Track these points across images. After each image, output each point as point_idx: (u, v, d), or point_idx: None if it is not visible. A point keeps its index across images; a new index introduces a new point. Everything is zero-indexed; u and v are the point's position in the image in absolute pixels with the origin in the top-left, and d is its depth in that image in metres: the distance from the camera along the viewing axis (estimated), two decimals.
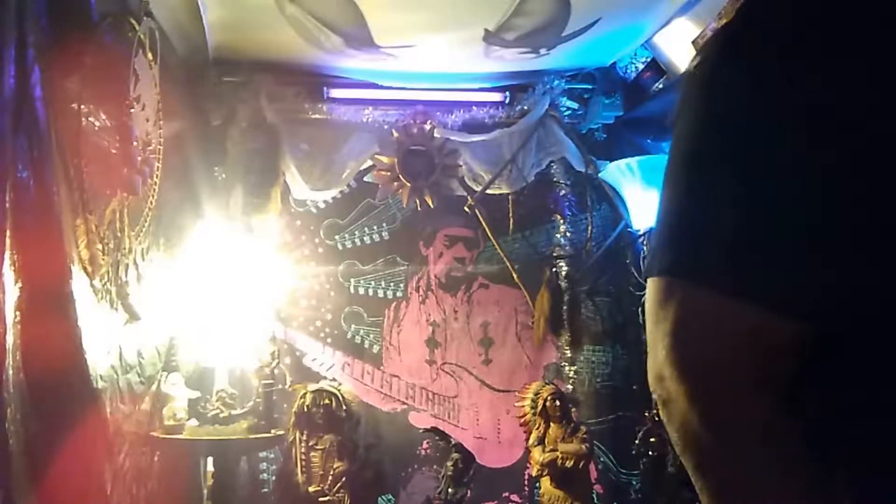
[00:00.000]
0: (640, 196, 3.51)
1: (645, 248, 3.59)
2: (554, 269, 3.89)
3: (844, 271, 0.67)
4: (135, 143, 2.40)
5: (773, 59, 0.72)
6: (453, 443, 3.32)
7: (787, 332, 0.68)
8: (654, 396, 0.75)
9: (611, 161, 3.65)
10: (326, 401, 3.29)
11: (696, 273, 0.72)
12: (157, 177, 2.63)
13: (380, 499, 3.52)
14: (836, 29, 0.70)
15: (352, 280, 3.89)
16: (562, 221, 3.93)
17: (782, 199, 0.69)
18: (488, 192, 3.79)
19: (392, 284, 3.94)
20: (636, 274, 3.64)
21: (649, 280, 0.77)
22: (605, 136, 4.00)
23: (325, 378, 3.66)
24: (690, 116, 0.78)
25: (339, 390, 3.36)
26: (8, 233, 1.55)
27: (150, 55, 2.55)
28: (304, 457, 3.27)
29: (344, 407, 3.31)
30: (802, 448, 0.69)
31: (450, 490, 3.19)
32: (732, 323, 0.69)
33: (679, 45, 3.27)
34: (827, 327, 0.67)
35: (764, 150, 0.70)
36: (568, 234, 3.91)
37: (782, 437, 0.69)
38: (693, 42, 3.15)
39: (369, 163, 3.81)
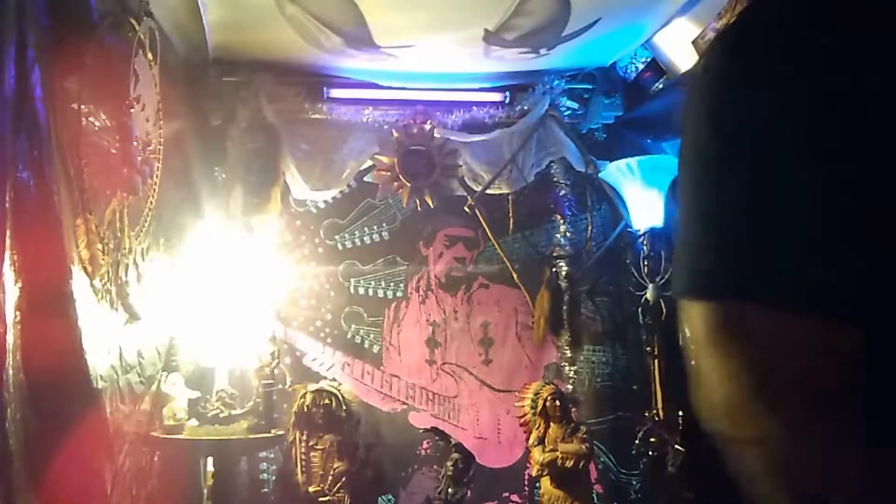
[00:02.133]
0: (640, 196, 3.51)
1: (646, 248, 3.59)
2: (554, 269, 3.89)
3: None
4: (135, 143, 2.40)
5: (785, 57, 0.71)
6: (453, 443, 3.32)
7: (860, 341, 0.65)
8: (724, 432, 0.69)
9: (611, 161, 3.65)
10: (326, 401, 3.29)
11: (768, 291, 0.66)
12: (157, 177, 2.63)
13: (380, 499, 3.52)
14: (845, 26, 0.69)
15: (352, 280, 3.89)
16: (562, 221, 3.93)
17: (833, 202, 0.65)
18: (488, 192, 3.79)
19: (392, 284, 3.94)
20: (636, 274, 3.64)
21: (697, 305, 0.71)
22: (605, 136, 4.00)
23: (325, 378, 3.66)
24: (705, 122, 0.75)
25: (339, 390, 3.36)
26: (8, 233, 1.55)
27: (150, 55, 2.55)
28: (304, 457, 3.27)
29: (344, 407, 3.31)
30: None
31: (450, 490, 3.19)
32: (820, 340, 0.65)
33: (679, 45, 3.27)
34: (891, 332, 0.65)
35: (799, 153, 0.67)
36: (568, 234, 3.91)
37: (878, 463, 0.65)
38: (693, 42, 3.15)
39: (369, 163, 3.81)
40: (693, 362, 0.73)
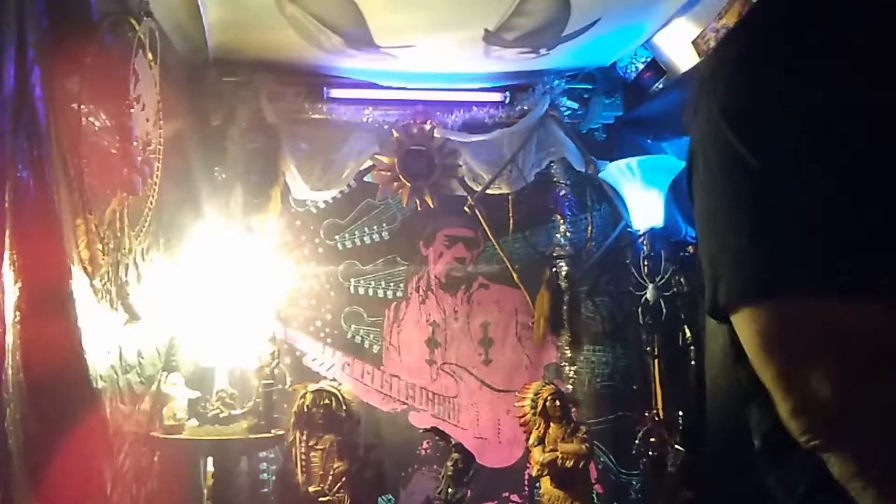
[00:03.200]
0: (640, 196, 3.50)
1: (646, 248, 3.59)
2: (554, 269, 3.89)
3: None
4: (135, 143, 2.40)
5: (796, 55, 0.70)
6: (453, 443, 3.32)
7: None
8: (821, 445, 0.66)
9: (611, 161, 3.65)
10: (326, 401, 3.29)
11: (828, 288, 0.64)
12: (157, 177, 2.63)
13: (380, 499, 3.52)
14: (852, 25, 0.69)
15: (352, 280, 3.89)
16: (562, 221, 3.93)
17: (878, 191, 0.64)
18: (488, 192, 3.79)
19: (392, 284, 3.94)
20: (636, 274, 3.64)
21: (750, 311, 0.67)
22: (605, 136, 4.00)
23: (325, 378, 3.66)
24: (729, 122, 0.73)
25: (339, 390, 3.36)
26: (8, 233, 1.55)
27: (150, 55, 2.55)
28: (304, 457, 3.27)
29: (344, 407, 3.31)
30: None
31: (450, 490, 3.18)
32: (889, 331, 0.63)
33: (679, 45, 3.27)
34: None
35: (844, 145, 0.66)
36: (568, 234, 3.91)
37: None
38: (693, 42, 3.15)
39: (369, 163, 3.81)
40: (766, 376, 0.68)
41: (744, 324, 0.69)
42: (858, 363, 0.64)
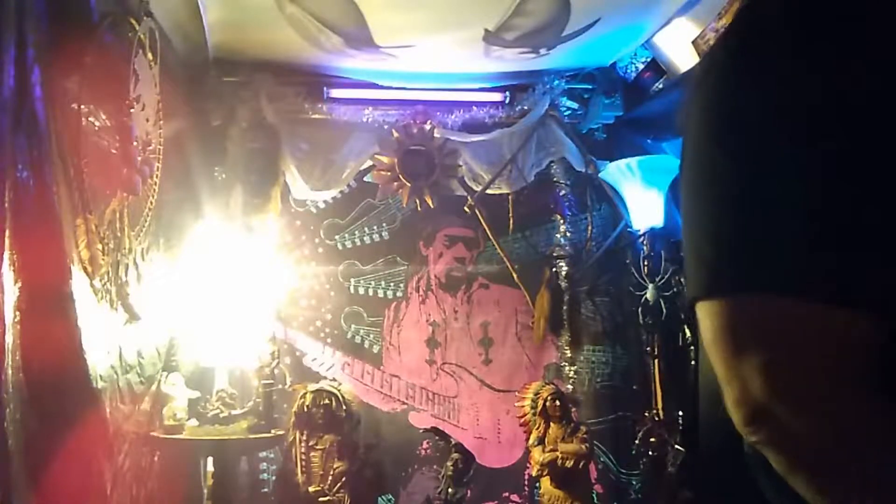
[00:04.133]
0: (640, 196, 3.51)
1: (646, 248, 3.59)
2: (554, 269, 3.89)
3: None
4: (135, 143, 2.40)
5: (786, 58, 0.71)
6: (453, 443, 3.32)
7: (876, 327, 0.65)
8: (755, 437, 0.68)
9: (611, 161, 3.65)
10: (326, 401, 3.29)
11: (776, 285, 0.66)
12: (157, 177, 2.63)
13: (380, 499, 3.52)
14: (843, 26, 0.70)
15: (352, 280, 3.89)
16: (562, 221, 3.93)
17: (837, 199, 0.66)
18: (488, 192, 3.79)
19: (392, 284, 3.94)
20: (636, 274, 3.64)
21: (707, 305, 0.70)
22: (605, 136, 4.00)
23: (325, 378, 3.66)
24: (709, 123, 0.75)
25: (339, 390, 3.36)
26: (8, 233, 1.55)
27: (150, 55, 2.55)
28: (304, 457, 3.27)
29: (344, 407, 3.31)
30: None
31: (450, 490, 3.18)
32: (831, 331, 0.65)
33: (679, 45, 3.27)
34: None
35: (806, 149, 0.68)
36: (568, 234, 3.91)
37: None
38: (693, 42, 3.15)
39: (369, 163, 3.81)
40: (716, 370, 0.70)
41: (700, 318, 0.72)
42: (794, 360, 0.66)
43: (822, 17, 0.70)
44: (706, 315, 0.71)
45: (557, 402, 3.35)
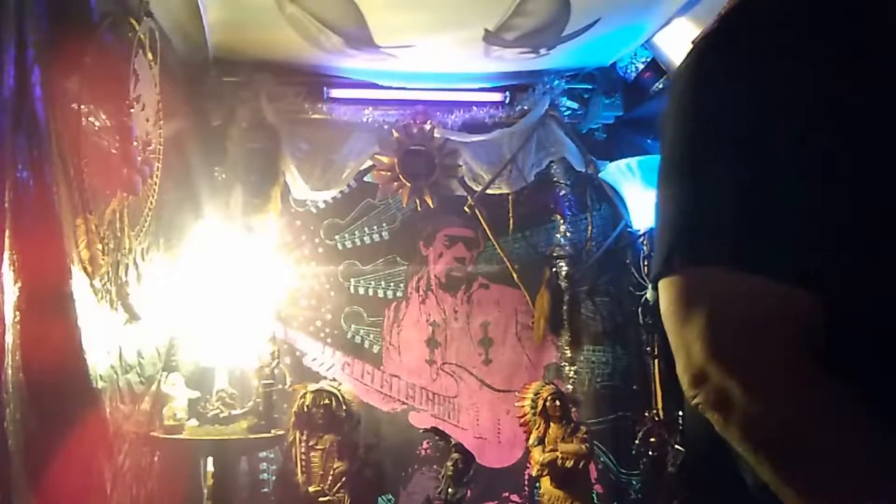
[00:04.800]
0: (640, 196, 3.51)
1: (646, 248, 3.59)
2: (554, 269, 3.89)
3: (849, 248, 0.67)
4: (135, 143, 2.40)
5: (764, 52, 0.73)
6: (453, 443, 3.32)
7: (815, 303, 0.68)
8: (697, 400, 0.72)
9: (611, 161, 3.65)
10: (326, 401, 3.29)
11: (721, 260, 0.71)
12: (157, 177, 2.63)
13: (380, 499, 3.52)
14: (822, 22, 0.71)
15: (352, 280, 3.89)
16: (562, 221, 3.93)
17: (786, 183, 0.70)
18: (488, 192, 3.79)
19: (392, 284, 3.94)
20: (636, 274, 3.64)
21: (664, 281, 0.75)
22: (605, 136, 4.00)
23: (325, 378, 3.66)
24: (686, 112, 0.79)
25: (339, 390, 3.36)
26: (8, 233, 1.55)
27: (150, 55, 2.55)
28: (304, 457, 3.27)
29: (344, 407, 3.31)
30: (865, 415, 0.68)
31: (450, 490, 3.18)
32: (768, 302, 0.68)
33: (679, 45, 3.26)
34: (846, 300, 0.67)
35: (763, 138, 0.71)
36: (568, 234, 3.91)
37: (846, 404, 0.68)
38: (693, 42, 3.15)
39: (369, 163, 3.81)
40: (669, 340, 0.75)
41: (660, 296, 0.77)
42: (730, 326, 0.70)
43: (808, 14, 0.72)
44: (663, 291, 0.75)
45: (557, 402, 3.35)
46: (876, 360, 0.69)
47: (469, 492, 3.24)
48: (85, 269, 2.05)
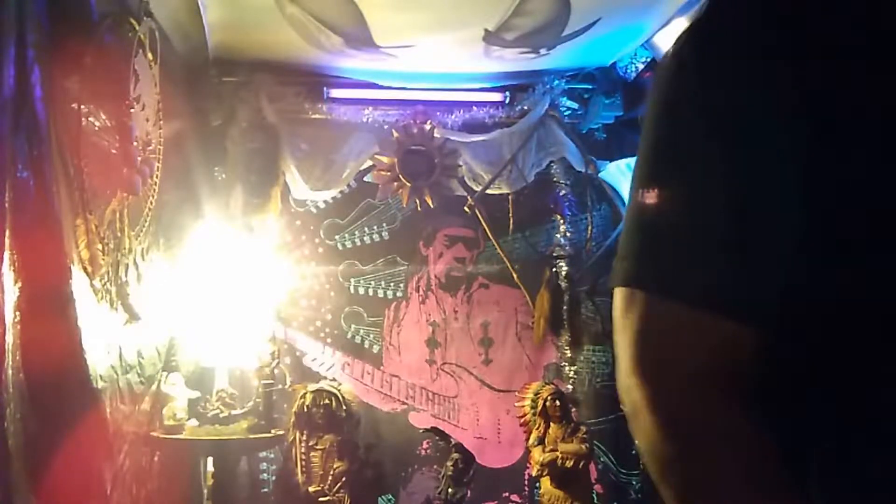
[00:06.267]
0: None
1: None
2: (554, 269, 3.89)
3: (797, 279, 0.66)
4: (135, 143, 2.40)
5: (736, 56, 0.71)
6: (453, 443, 3.32)
7: (746, 338, 0.67)
8: (623, 408, 0.75)
9: (611, 161, 3.65)
10: (326, 401, 3.29)
11: (654, 282, 0.72)
12: (157, 177, 2.63)
13: (380, 499, 3.52)
14: (802, 23, 0.70)
15: (352, 280, 3.89)
16: (562, 221, 3.93)
17: (735, 207, 0.68)
18: (488, 192, 3.79)
19: (392, 284, 3.94)
20: None
21: (615, 290, 0.76)
22: (605, 136, 4.00)
23: (325, 378, 3.66)
24: (652, 117, 0.78)
25: (339, 390, 3.36)
26: (8, 233, 1.55)
27: (150, 55, 2.55)
28: (304, 457, 3.27)
29: (344, 407, 3.31)
30: (773, 452, 0.68)
31: (450, 490, 3.19)
32: (693, 331, 0.69)
33: None
34: (785, 334, 0.67)
35: (719, 155, 0.70)
36: (568, 234, 3.91)
37: (750, 441, 0.68)
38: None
39: (369, 163, 3.81)
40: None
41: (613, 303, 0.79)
42: (653, 348, 0.71)
43: (786, 12, 0.71)
44: (614, 298, 0.77)
45: (557, 402, 3.34)
46: (799, 391, 0.70)
47: (469, 492, 3.24)
48: (85, 269, 2.05)
